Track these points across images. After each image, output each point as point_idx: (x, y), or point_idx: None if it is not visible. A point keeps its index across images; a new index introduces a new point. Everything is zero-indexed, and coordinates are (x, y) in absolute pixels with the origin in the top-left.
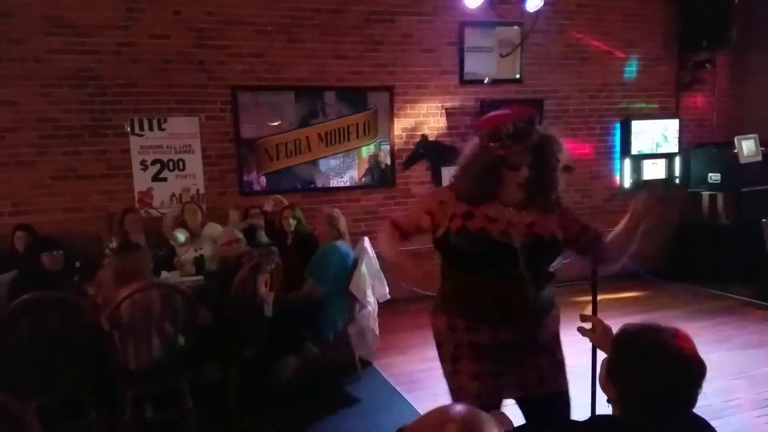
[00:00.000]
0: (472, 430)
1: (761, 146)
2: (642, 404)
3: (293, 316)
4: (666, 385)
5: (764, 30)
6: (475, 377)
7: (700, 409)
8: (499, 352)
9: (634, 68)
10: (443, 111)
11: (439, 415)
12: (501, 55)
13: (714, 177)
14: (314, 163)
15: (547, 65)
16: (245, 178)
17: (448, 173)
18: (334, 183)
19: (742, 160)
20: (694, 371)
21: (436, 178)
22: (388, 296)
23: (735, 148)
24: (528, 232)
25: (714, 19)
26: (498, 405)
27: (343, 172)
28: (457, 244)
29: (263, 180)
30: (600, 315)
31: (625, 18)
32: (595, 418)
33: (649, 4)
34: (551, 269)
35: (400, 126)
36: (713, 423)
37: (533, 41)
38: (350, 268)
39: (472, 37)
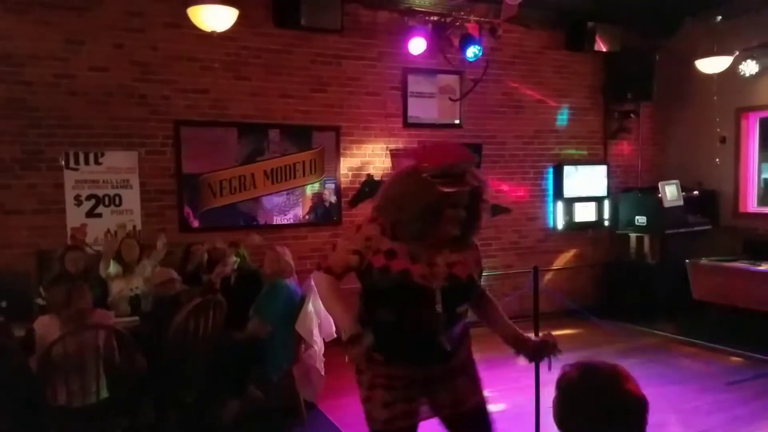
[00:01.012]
0: None
1: (682, 191)
2: None
3: (236, 356)
4: (613, 426)
5: (683, 84)
6: (387, 405)
7: None
8: (413, 383)
9: (565, 117)
10: (388, 152)
11: None
12: (450, 99)
13: (640, 220)
14: (259, 200)
15: (485, 112)
16: (185, 215)
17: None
18: (279, 220)
19: (666, 204)
20: (637, 409)
21: None
22: (335, 335)
23: (659, 193)
24: (449, 273)
25: (637, 74)
26: (413, 428)
27: (287, 209)
28: (378, 281)
29: (205, 217)
30: None
31: (556, 69)
32: None
33: (577, 57)
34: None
35: (347, 165)
36: None
37: (473, 89)
38: (297, 306)
39: (415, 83)
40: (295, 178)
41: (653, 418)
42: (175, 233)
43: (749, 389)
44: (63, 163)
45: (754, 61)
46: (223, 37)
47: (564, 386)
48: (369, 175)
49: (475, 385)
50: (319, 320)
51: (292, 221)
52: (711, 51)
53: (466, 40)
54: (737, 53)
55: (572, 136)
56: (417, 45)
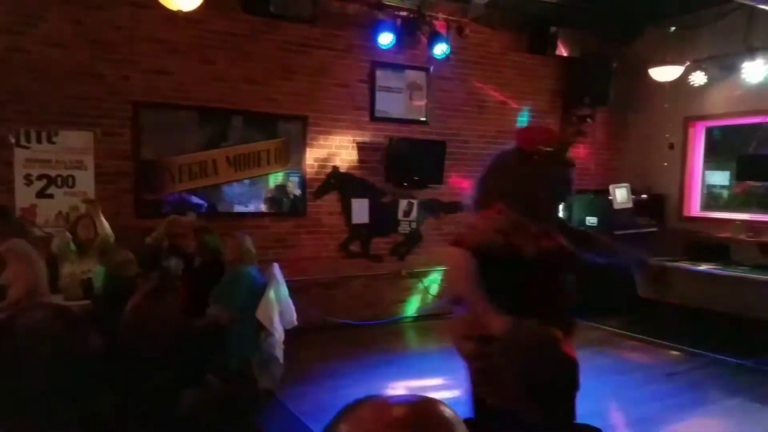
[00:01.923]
0: (424, 411)
1: (632, 194)
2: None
3: (196, 344)
4: (549, 380)
5: (637, 91)
6: None
7: None
8: None
9: (525, 118)
10: (354, 145)
11: (377, 405)
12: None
13: (591, 220)
14: (220, 187)
15: (450, 110)
16: (143, 199)
17: (358, 205)
18: (240, 209)
19: (616, 206)
20: (572, 367)
21: (347, 210)
22: (296, 323)
23: (610, 195)
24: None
25: (595, 80)
26: None
27: (250, 198)
28: (527, 260)
29: (164, 202)
30: None
31: (518, 72)
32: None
33: (538, 61)
34: None
35: (313, 156)
36: None
37: (439, 86)
38: (258, 294)
39: (383, 78)
40: (259, 166)
41: (595, 406)
42: (132, 218)
43: (685, 380)
44: (13, 141)
45: (703, 73)
46: (190, 19)
47: (507, 343)
48: (335, 168)
49: None
50: (280, 308)
51: (253, 210)
52: (664, 60)
53: (434, 38)
54: (688, 64)
55: None
56: (386, 39)
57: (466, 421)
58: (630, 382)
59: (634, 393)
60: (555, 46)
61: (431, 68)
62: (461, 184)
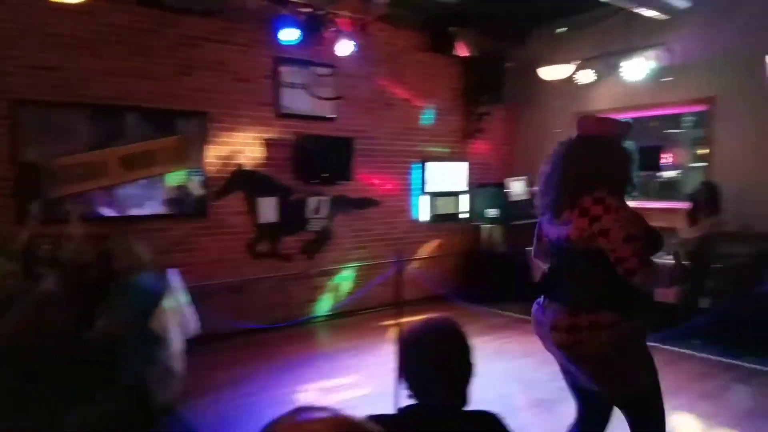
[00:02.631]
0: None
1: (528, 186)
2: (427, 385)
3: (86, 357)
4: (450, 366)
5: (529, 89)
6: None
7: None
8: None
9: (430, 116)
10: (260, 142)
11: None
12: (318, 97)
13: (492, 212)
14: (113, 189)
15: (358, 107)
16: (25, 204)
17: (264, 204)
18: (135, 211)
19: (513, 198)
20: (468, 351)
21: (253, 209)
22: (198, 332)
23: (508, 188)
24: None
25: (491, 78)
26: None
27: (146, 199)
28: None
29: (48, 207)
30: None
31: (422, 71)
32: (400, 409)
33: (440, 61)
34: None
35: (215, 154)
36: None
37: (345, 83)
38: (154, 303)
39: (288, 74)
40: (155, 165)
41: (501, 390)
42: (12, 225)
43: None
44: None
45: (590, 71)
46: (79, 11)
47: (408, 337)
48: (239, 165)
49: None
50: (179, 317)
51: (151, 212)
52: (552, 60)
53: (339, 35)
54: (575, 63)
55: (436, 134)
56: (290, 34)
57: (380, 417)
58: (530, 364)
59: (534, 375)
60: (454, 46)
61: (337, 66)
62: (371, 180)
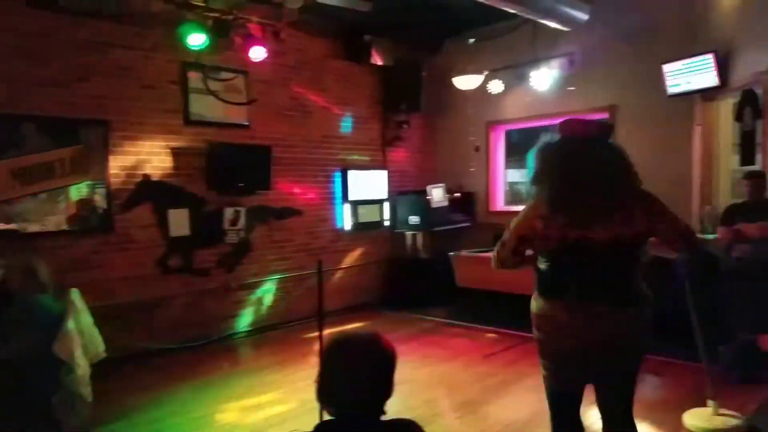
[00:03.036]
0: None
1: (447, 193)
2: (342, 397)
3: None
4: (372, 375)
5: (446, 98)
6: None
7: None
8: None
9: (349, 124)
10: (168, 151)
11: None
12: (227, 102)
13: (414, 219)
14: (3, 204)
15: (274, 114)
16: None
17: (175, 216)
18: (32, 228)
19: (434, 205)
20: (390, 360)
21: (162, 222)
22: (104, 354)
23: (428, 195)
24: None
25: (408, 87)
26: None
27: (44, 215)
28: None
29: None
30: None
31: (339, 79)
32: (317, 426)
33: (356, 69)
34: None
35: (118, 164)
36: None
37: (259, 90)
38: (55, 326)
39: (196, 79)
40: (53, 178)
41: (427, 394)
42: None
43: (502, 360)
44: None
45: (500, 81)
46: None
47: (327, 350)
48: (146, 176)
49: None
50: (83, 340)
51: (48, 229)
52: (465, 70)
53: (250, 41)
54: (486, 73)
55: (356, 142)
56: (197, 39)
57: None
58: (454, 367)
59: (459, 378)
60: (370, 55)
61: (250, 72)
62: (291, 190)
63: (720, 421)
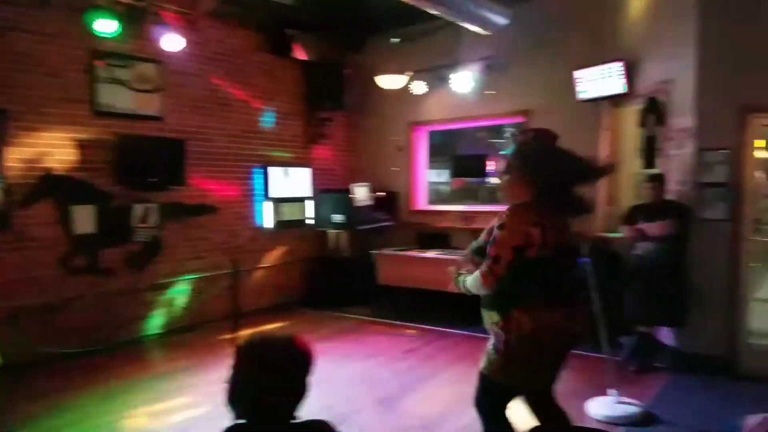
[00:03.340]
0: None
1: (371, 192)
2: (253, 401)
3: None
4: (289, 376)
5: (369, 97)
6: None
7: (329, 418)
8: None
9: (270, 119)
10: (73, 143)
11: None
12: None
13: (337, 218)
14: None
15: (189, 106)
16: None
17: (80, 213)
18: None
19: (357, 204)
20: (306, 361)
21: (66, 218)
22: (1, 361)
23: (352, 194)
24: None
25: (332, 84)
26: None
27: None
28: None
29: None
30: None
31: (261, 72)
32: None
33: (279, 63)
34: None
35: (17, 157)
36: (341, 428)
37: (174, 81)
38: None
39: (107, 68)
40: None
41: (347, 392)
42: None
43: (420, 355)
44: None
45: (423, 82)
46: None
47: (239, 353)
48: (47, 169)
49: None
50: None
51: None
52: (388, 70)
53: (164, 30)
54: (409, 74)
55: (278, 138)
56: (107, 26)
57: None
58: (375, 364)
59: (378, 375)
60: (292, 49)
61: (164, 62)
62: (207, 186)
63: (620, 409)
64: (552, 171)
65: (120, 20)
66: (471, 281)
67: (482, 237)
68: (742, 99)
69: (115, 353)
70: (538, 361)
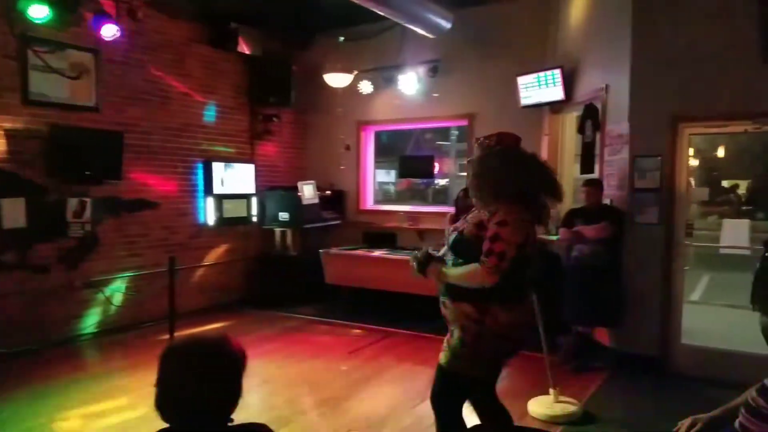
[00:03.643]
0: None
1: (318, 190)
2: (183, 404)
3: None
4: (215, 379)
5: (317, 95)
6: None
7: (271, 421)
8: None
9: (212, 113)
10: (1, 133)
11: None
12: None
13: (283, 216)
14: None
15: (127, 97)
16: None
17: (9, 206)
18: None
19: (304, 202)
20: (238, 363)
21: None
22: None
23: (299, 192)
24: None
25: (278, 80)
26: None
27: None
28: None
29: None
30: None
31: (203, 65)
32: None
33: (222, 56)
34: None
35: None
36: (283, 430)
37: (111, 71)
38: None
39: (39, 56)
40: None
41: (290, 392)
42: None
43: (365, 355)
44: None
45: (369, 82)
46: None
47: (167, 355)
48: None
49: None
50: None
51: None
52: (335, 68)
53: (101, 17)
54: (356, 73)
55: (221, 133)
56: (38, 11)
57: None
58: (319, 364)
59: (322, 375)
60: (237, 43)
61: (101, 51)
62: (146, 180)
63: (559, 408)
64: (529, 178)
65: (53, 6)
66: (461, 274)
67: (450, 233)
68: (673, 108)
69: (48, 353)
70: (503, 354)
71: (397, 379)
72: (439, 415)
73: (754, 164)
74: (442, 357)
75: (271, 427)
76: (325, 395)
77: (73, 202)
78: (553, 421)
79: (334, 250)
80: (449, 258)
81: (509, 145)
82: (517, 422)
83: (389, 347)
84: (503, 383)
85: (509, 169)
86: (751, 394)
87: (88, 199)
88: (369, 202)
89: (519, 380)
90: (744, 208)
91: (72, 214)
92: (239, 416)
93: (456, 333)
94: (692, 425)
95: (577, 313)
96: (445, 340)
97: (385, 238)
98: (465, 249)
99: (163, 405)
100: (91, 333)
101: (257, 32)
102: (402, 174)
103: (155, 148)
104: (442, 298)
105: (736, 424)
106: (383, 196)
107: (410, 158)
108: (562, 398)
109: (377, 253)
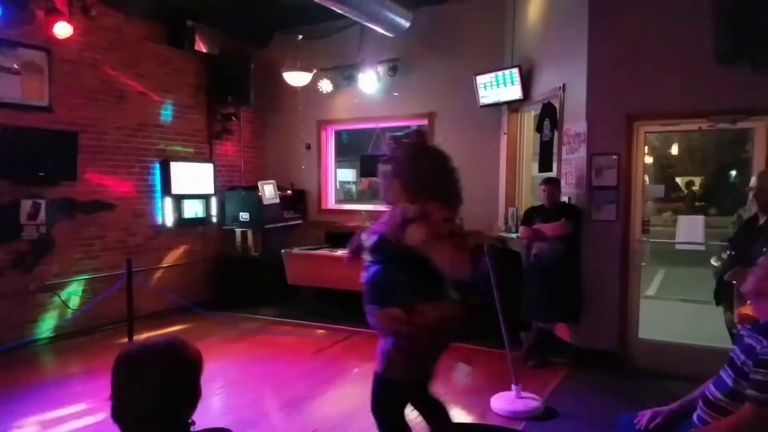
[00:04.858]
0: None
1: (278, 190)
2: (138, 412)
3: None
4: (175, 386)
5: (276, 94)
6: None
7: (235, 423)
8: None
9: (169, 112)
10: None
11: None
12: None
13: (244, 216)
14: None
15: (82, 97)
16: None
17: None
18: None
19: (265, 202)
20: (195, 367)
21: None
22: None
23: (259, 192)
24: None
25: (236, 79)
26: None
27: None
28: None
29: None
30: None
31: (158, 63)
32: None
33: (178, 55)
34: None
35: None
36: None
37: (64, 70)
38: None
39: None
40: None
41: (254, 394)
42: None
43: (329, 355)
44: None
45: (329, 81)
46: None
47: (118, 363)
48: None
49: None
50: None
51: None
52: (295, 66)
53: (53, 15)
54: (315, 71)
55: (178, 132)
56: None
57: None
58: (282, 365)
59: (286, 375)
60: (193, 41)
61: (53, 49)
62: (101, 181)
63: (521, 403)
64: (451, 176)
65: (3, 3)
66: (444, 257)
67: (368, 235)
68: (629, 106)
69: (3, 358)
70: (438, 350)
71: (361, 379)
72: (381, 424)
73: (708, 161)
74: (378, 366)
75: (235, 430)
76: (289, 396)
77: (26, 204)
78: (516, 417)
79: (295, 250)
80: (369, 259)
81: (425, 144)
82: (479, 419)
83: (352, 347)
84: (466, 380)
85: (438, 168)
86: (708, 388)
87: (42, 201)
88: (330, 202)
89: (481, 377)
90: (698, 204)
91: (26, 216)
92: (202, 420)
93: (389, 340)
94: (653, 418)
95: (538, 310)
96: (378, 349)
97: (348, 237)
98: (388, 250)
99: (120, 418)
100: (47, 337)
101: (214, 30)
102: (363, 173)
103: (111, 149)
104: (368, 307)
105: (694, 416)
106: (345, 196)
107: (371, 157)
108: (524, 394)
109: (339, 252)
